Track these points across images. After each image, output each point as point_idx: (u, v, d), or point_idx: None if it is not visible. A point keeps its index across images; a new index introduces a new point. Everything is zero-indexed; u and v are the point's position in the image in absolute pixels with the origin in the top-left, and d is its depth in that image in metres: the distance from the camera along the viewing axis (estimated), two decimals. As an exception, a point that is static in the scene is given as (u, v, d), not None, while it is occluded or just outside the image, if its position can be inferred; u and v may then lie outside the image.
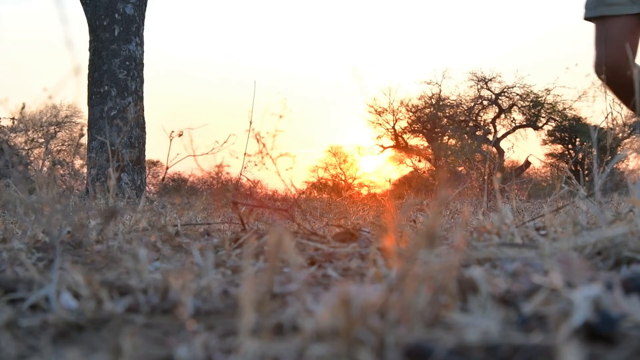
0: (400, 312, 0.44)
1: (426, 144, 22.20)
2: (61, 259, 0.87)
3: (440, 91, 22.03)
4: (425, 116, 22.02)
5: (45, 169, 1.50)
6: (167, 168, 1.61)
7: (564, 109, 20.87)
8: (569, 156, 20.44)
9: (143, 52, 5.89)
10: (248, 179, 1.63)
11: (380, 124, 22.44)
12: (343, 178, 23.55)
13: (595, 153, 1.09)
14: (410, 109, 22.28)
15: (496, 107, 21.73)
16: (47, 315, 0.53)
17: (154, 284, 0.61)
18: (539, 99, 20.96)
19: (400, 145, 22.39)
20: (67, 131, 21.45)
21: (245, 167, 1.58)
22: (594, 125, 1.49)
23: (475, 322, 0.44)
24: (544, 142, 21.92)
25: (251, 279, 0.42)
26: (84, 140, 5.90)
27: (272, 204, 1.56)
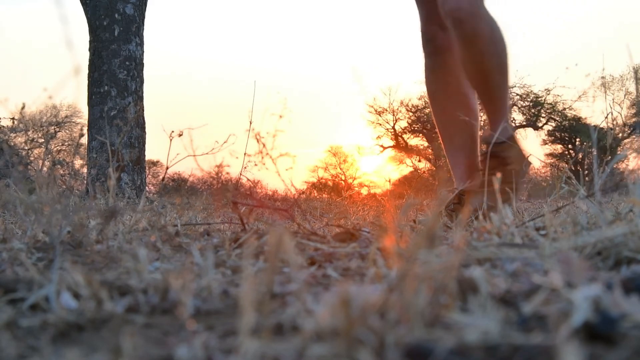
0: (400, 312, 0.44)
1: (426, 144, 22.20)
2: (61, 259, 0.87)
3: (441, 91, 21.94)
4: (425, 116, 22.03)
5: (45, 169, 1.50)
6: (167, 168, 1.61)
7: (564, 109, 20.88)
8: (569, 156, 20.44)
9: (143, 52, 5.89)
10: (248, 179, 1.63)
11: (380, 124, 22.46)
12: (343, 178, 23.56)
13: (595, 153, 1.08)
14: (410, 109, 22.28)
15: (496, 107, 21.63)
16: (47, 315, 0.53)
17: (154, 284, 0.61)
18: (539, 99, 20.96)
19: (400, 145, 22.39)
20: (67, 131, 21.46)
21: (245, 167, 1.58)
22: (594, 125, 1.49)
23: (475, 322, 0.44)
24: (544, 142, 21.92)
25: (251, 279, 0.42)
26: (84, 140, 5.90)
27: (272, 204, 1.56)
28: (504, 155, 1.83)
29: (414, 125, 22.02)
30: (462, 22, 1.74)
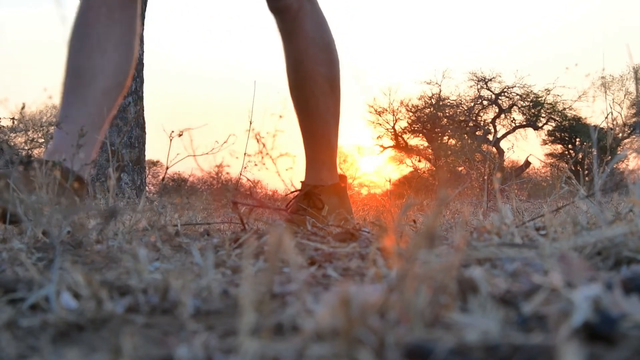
0: (400, 312, 0.44)
1: (426, 144, 22.21)
2: (61, 259, 0.87)
3: (440, 91, 22.03)
4: (425, 116, 22.03)
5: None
6: (167, 168, 1.61)
7: (564, 109, 20.88)
8: (569, 156, 20.44)
9: (143, 52, 5.88)
10: (248, 179, 1.63)
11: (380, 124, 22.47)
12: (343, 178, 23.51)
13: (595, 153, 1.09)
14: (410, 109, 22.29)
15: (496, 107, 21.72)
16: (47, 315, 0.53)
17: (154, 284, 0.61)
18: (539, 99, 20.97)
19: (400, 145, 22.39)
20: (67, 131, 21.40)
21: (245, 167, 1.58)
22: (594, 125, 1.49)
23: (475, 322, 0.44)
24: (544, 142, 21.93)
25: (251, 279, 0.42)
26: (84, 140, 5.89)
27: (272, 204, 1.56)
28: (315, 195, 1.55)
29: (414, 125, 22.02)
30: (283, 14, 1.51)
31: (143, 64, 5.82)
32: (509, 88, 21.02)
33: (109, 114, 1.51)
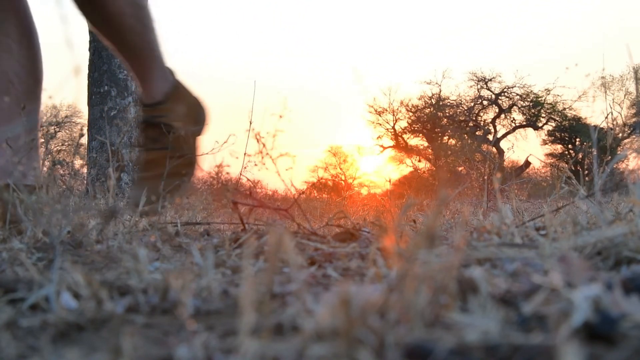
0: (400, 312, 0.44)
1: (426, 144, 22.22)
2: (61, 259, 0.87)
3: (440, 91, 22.03)
4: (425, 116, 22.03)
5: (45, 169, 1.50)
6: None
7: (564, 109, 20.88)
8: (569, 156, 20.44)
9: (143, 52, 5.87)
10: (248, 179, 1.63)
11: (380, 124, 22.48)
12: (343, 178, 23.57)
13: (595, 153, 1.09)
14: (410, 109, 22.29)
15: (496, 107, 21.71)
16: (47, 315, 0.53)
17: (154, 284, 0.61)
18: (539, 99, 20.96)
19: (400, 145, 22.40)
20: (67, 131, 21.51)
21: (245, 167, 1.58)
22: (594, 125, 1.49)
23: (475, 322, 0.44)
24: (544, 142, 21.93)
25: (251, 279, 0.42)
26: (84, 140, 5.89)
27: (272, 204, 1.56)
28: (162, 121, 1.47)
29: (414, 125, 22.03)
30: (91, 4, 1.38)
31: (143, 64, 5.81)
32: (509, 88, 21.03)
33: (38, 116, 1.40)
